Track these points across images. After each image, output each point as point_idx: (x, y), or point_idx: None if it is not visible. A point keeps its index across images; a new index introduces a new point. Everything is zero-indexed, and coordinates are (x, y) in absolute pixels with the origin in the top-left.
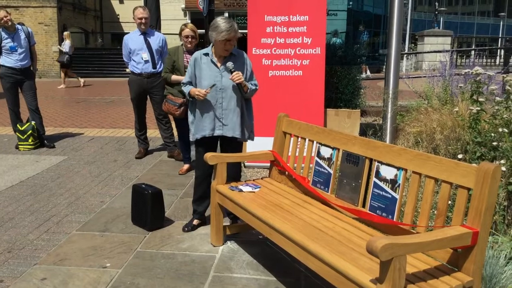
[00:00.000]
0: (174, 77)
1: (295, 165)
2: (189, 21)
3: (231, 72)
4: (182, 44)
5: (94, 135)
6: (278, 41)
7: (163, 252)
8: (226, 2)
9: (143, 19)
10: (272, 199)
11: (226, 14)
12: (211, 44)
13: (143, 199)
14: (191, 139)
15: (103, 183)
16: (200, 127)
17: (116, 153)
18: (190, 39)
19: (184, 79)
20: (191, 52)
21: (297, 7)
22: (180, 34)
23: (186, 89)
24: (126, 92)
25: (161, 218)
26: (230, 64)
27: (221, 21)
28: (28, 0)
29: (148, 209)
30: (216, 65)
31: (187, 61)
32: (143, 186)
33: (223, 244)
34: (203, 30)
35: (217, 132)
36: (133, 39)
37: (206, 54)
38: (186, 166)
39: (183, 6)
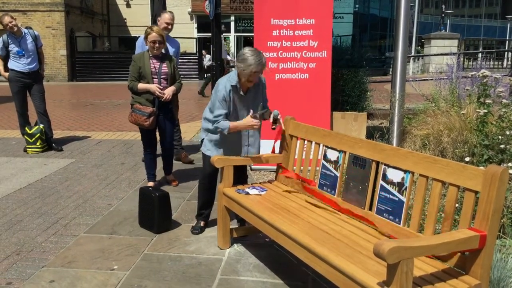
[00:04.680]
0: (141, 86)
1: (302, 168)
2: (155, 25)
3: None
4: (147, 50)
5: (101, 138)
6: (285, 44)
7: (170, 254)
8: (233, 6)
9: (170, 25)
10: (279, 202)
11: (233, 18)
12: (234, 72)
13: (150, 202)
14: (209, 154)
15: (110, 185)
16: (222, 152)
17: (123, 156)
18: (157, 45)
19: (216, 112)
20: (157, 57)
21: (303, 10)
22: (145, 38)
23: (223, 124)
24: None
25: (168, 220)
26: (276, 112)
27: (249, 53)
28: (36, 4)
29: (155, 211)
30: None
31: (154, 67)
32: (150, 188)
33: (230, 246)
34: (210, 34)
35: (242, 155)
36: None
37: (235, 87)
38: (150, 184)
39: (190, 10)
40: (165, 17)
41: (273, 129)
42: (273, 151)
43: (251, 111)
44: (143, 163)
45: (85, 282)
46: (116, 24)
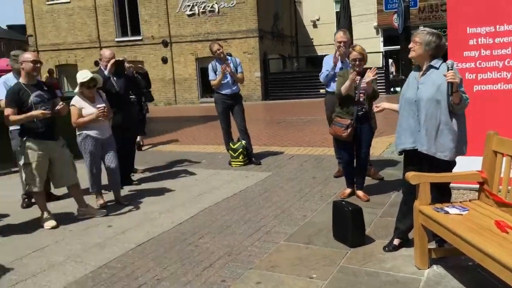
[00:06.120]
0: (343, 87)
1: (510, 188)
2: (357, 44)
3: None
4: (351, 66)
5: (293, 153)
6: (483, 53)
7: (366, 269)
8: (421, 16)
9: (342, 42)
10: (483, 223)
11: (421, 28)
12: None
13: (344, 216)
14: (396, 151)
15: (304, 198)
16: (400, 140)
17: (315, 171)
18: (357, 62)
19: None
20: (360, 73)
21: (504, 16)
22: (348, 57)
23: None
24: (320, 112)
25: (362, 235)
26: (449, 62)
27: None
28: (234, 32)
29: (349, 225)
30: (415, 77)
31: (356, 82)
32: (344, 203)
33: (429, 267)
34: (398, 46)
35: (413, 146)
36: (330, 60)
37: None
38: (347, 190)
39: (375, 24)
40: (336, 37)
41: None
42: None
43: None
44: (334, 178)
45: (287, 287)
46: (304, 44)
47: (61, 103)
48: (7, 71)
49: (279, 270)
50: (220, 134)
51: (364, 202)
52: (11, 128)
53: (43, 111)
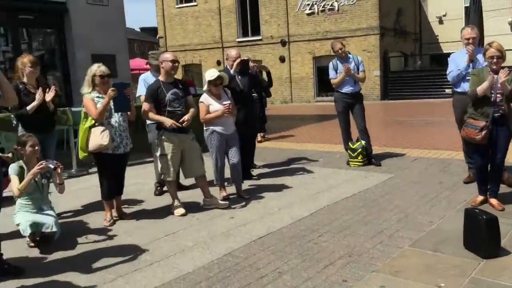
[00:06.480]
0: (480, 88)
1: None
2: (494, 41)
3: None
4: (486, 65)
5: (417, 155)
6: None
7: (500, 282)
8: None
9: (471, 39)
10: None
11: None
12: None
13: (477, 225)
14: None
15: (430, 203)
16: None
17: (441, 175)
18: (495, 60)
19: None
20: (495, 72)
21: None
22: (484, 54)
23: None
24: (445, 113)
25: (496, 246)
26: None
27: None
28: (353, 30)
29: (483, 235)
30: None
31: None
32: (477, 211)
33: None
34: None
35: None
36: (458, 58)
37: None
38: (480, 198)
39: (510, 19)
40: (463, 33)
41: None
42: None
43: None
44: (463, 184)
45: None
46: (428, 41)
47: (185, 117)
48: (142, 70)
49: (404, 276)
50: (337, 133)
51: (499, 211)
52: (148, 122)
53: (174, 122)
